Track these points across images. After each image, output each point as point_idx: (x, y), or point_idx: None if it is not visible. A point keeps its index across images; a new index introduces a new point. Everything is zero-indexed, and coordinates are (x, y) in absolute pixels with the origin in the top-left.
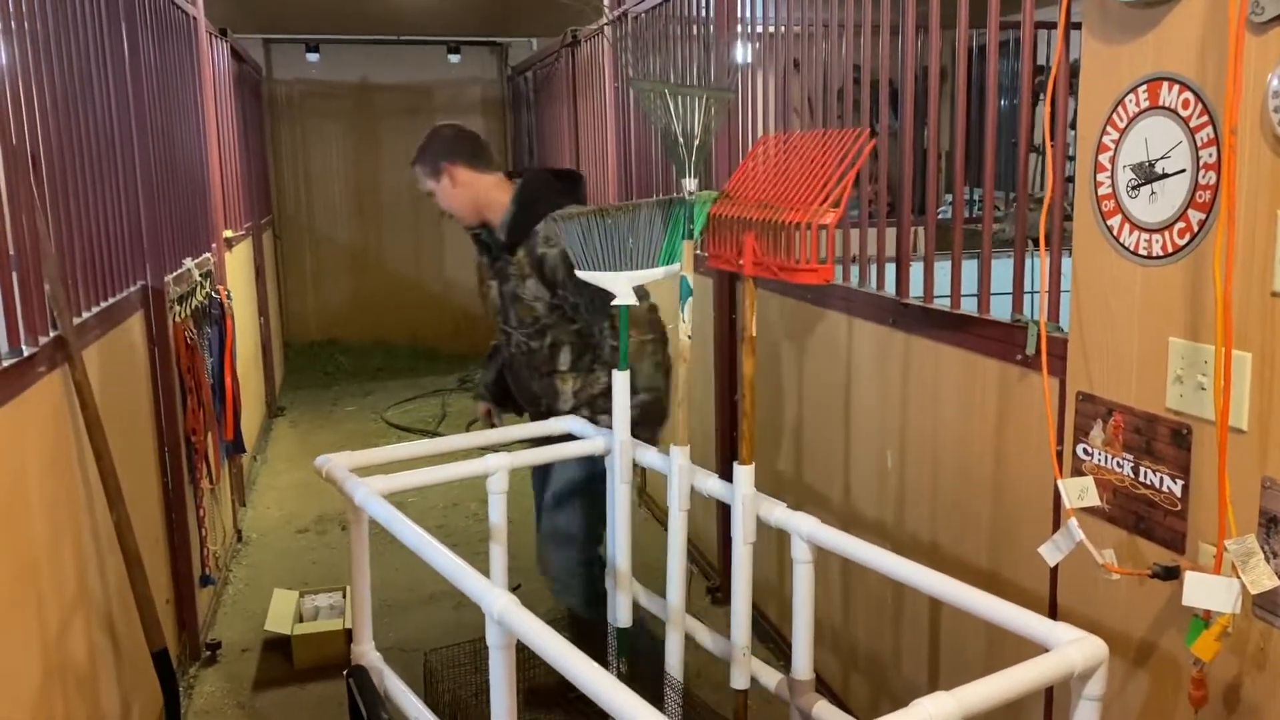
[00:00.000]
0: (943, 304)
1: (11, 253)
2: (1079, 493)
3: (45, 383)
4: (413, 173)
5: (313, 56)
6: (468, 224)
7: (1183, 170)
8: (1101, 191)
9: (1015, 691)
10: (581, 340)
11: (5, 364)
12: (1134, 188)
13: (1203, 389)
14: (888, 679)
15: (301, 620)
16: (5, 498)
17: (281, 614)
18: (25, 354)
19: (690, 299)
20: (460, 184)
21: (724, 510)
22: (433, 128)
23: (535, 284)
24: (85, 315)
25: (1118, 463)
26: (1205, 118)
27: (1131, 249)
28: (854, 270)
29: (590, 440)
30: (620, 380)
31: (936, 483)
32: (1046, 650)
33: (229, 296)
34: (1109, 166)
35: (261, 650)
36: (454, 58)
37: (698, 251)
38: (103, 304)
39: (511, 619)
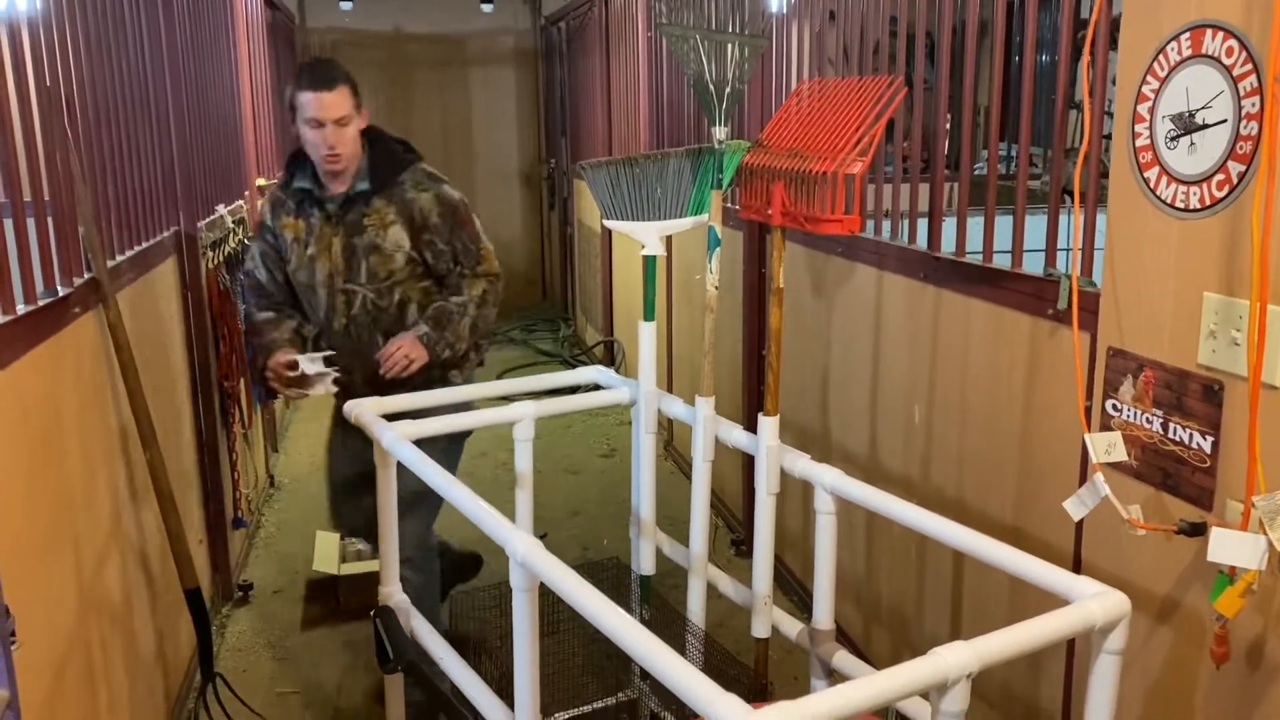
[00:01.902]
0: (975, 259)
1: (46, 196)
2: (1106, 448)
3: (80, 323)
4: (323, 100)
5: (346, 5)
6: (334, 168)
7: (1224, 120)
8: (1139, 143)
9: (1034, 643)
10: (427, 298)
11: (41, 303)
12: (1173, 139)
13: (1236, 344)
14: (909, 632)
15: (345, 561)
16: (42, 435)
17: (326, 555)
18: (60, 294)
19: (718, 249)
20: (363, 117)
21: (749, 463)
22: (315, 59)
23: (399, 231)
24: (119, 259)
25: (1147, 419)
26: (1249, 66)
27: (1168, 201)
28: (885, 224)
29: (614, 391)
30: (648, 331)
31: (963, 438)
32: (1068, 604)
33: None
34: (1148, 117)
35: (292, 592)
36: (486, 7)
37: (728, 204)
38: (136, 248)
39: (534, 562)
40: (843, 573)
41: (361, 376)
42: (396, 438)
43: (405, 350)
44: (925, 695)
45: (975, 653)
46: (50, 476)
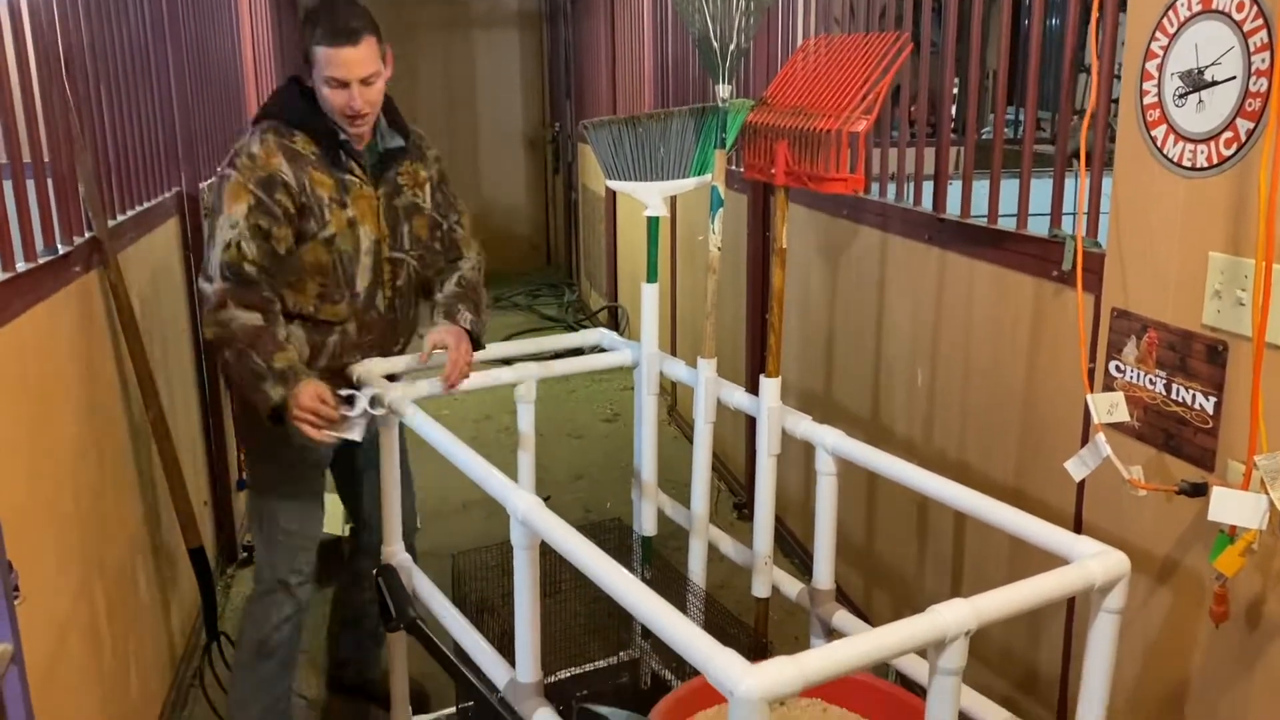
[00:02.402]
0: (980, 222)
1: (46, 157)
2: (1108, 408)
3: (81, 283)
4: (347, 57)
5: None
6: (359, 131)
7: (1233, 77)
8: (1147, 101)
9: (1033, 602)
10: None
11: (41, 261)
12: (1181, 96)
13: (1241, 304)
14: (910, 593)
15: (349, 523)
16: (43, 393)
17: (331, 516)
18: (60, 252)
19: (721, 210)
20: (389, 66)
21: (752, 426)
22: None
23: (430, 191)
24: (120, 219)
25: (1150, 380)
26: (1260, 21)
27: (1175, 160)
28: (891, 188)
29: (617, 353)
30: (650, 293)
31: (966, 400)
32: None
33: None
34: (1156, 75)
35: None
36: None
37: (732, 166)
38: (138, 208)
39: (535, 520)
40: (843, 535)
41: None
42: (400, 398)
43: (465, 357)
44: (923, 654)
45: (974, 610)
46: (52, 434)
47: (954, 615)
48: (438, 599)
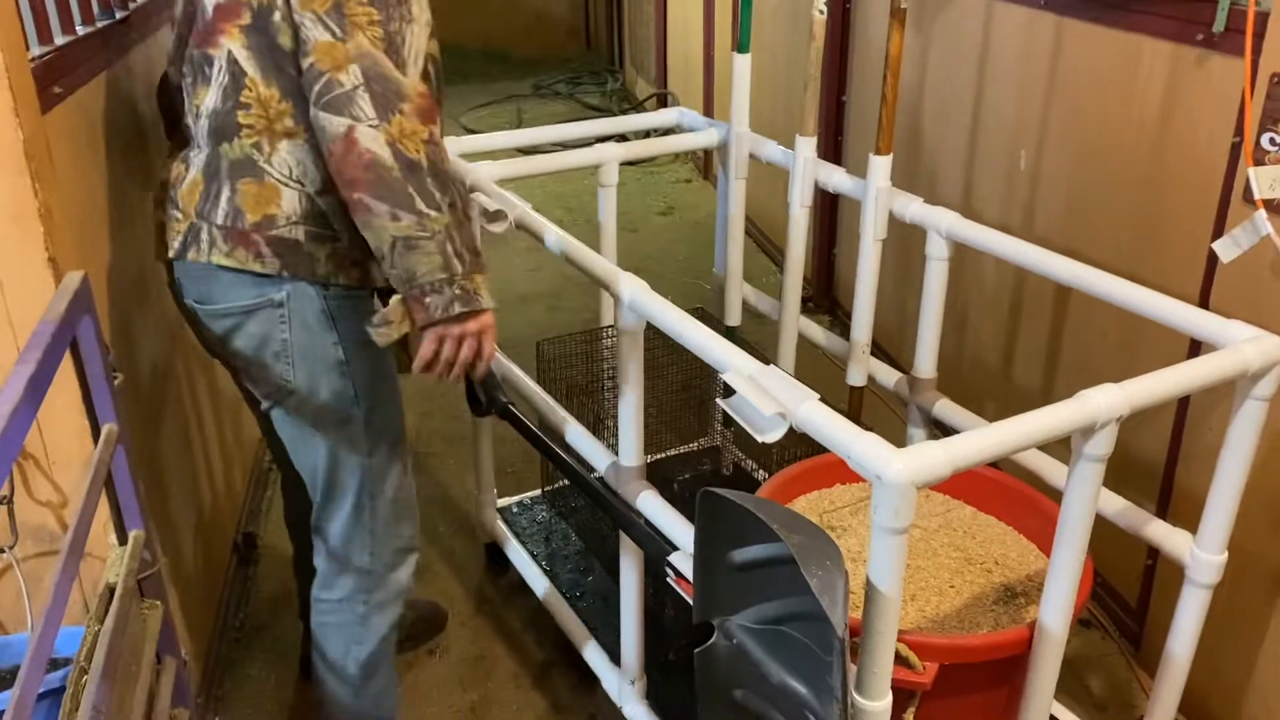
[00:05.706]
0: None
1: None
2: (1271, 182)
3: (143, 48)
4: None
5: None
6: None
7: None
8: None
9: (1185, 387)
10: None
11: (100, 25)
12: None
13: None
14: (996, 390)
15: None
16: (123, 167)
17: None
18: (117, 17)
19: None
20: None
21: (823, 213)
22: None
23: None
24: None
25: None
26: None
27: None
28: None
29: (700, 134)
30: (743, 64)
31: (1076, 183)
32: (1194, 354)
33: None
34: None
35: None
36: None
37: None
38: None
39: (642, 303)
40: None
41: None
42: (482, 178)
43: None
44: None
45: (1126, 395)
46: (130, 206)
47: (1106, 400)
48: (526, 383)
